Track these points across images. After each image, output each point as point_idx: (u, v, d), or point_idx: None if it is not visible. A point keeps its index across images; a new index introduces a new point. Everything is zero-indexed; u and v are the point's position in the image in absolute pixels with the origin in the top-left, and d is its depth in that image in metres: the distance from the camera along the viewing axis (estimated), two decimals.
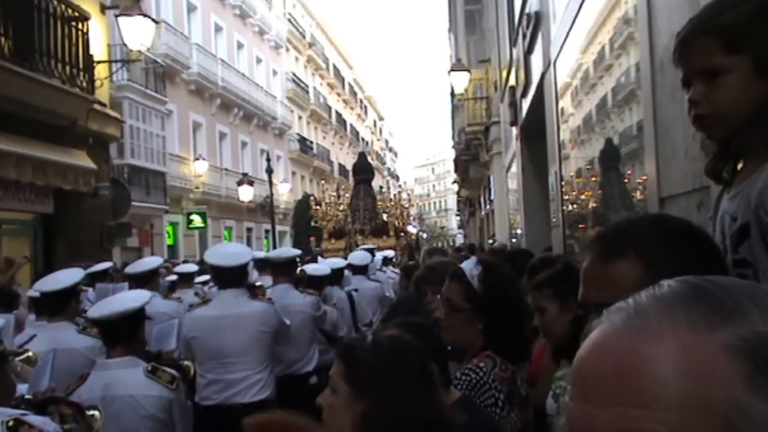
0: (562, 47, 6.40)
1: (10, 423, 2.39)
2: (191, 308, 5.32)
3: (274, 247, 23.85)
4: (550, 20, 7.13)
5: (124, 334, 3.61)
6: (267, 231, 29.29)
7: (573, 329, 2.31)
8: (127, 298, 3.87)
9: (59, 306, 4.48)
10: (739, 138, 1.49)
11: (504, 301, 2.52)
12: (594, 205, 5.81)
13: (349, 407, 1.70)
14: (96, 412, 3.00)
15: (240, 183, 25.80)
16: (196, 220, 23.86)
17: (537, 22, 7.91)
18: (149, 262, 7.07)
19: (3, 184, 9.75)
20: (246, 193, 25.86)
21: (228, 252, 5.32)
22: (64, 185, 10.55)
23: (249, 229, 30.85)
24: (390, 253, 12.62)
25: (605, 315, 0.66)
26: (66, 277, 4.75)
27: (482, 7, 18.31)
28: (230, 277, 5.03)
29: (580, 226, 6.53)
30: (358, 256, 8.77)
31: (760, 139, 1.46)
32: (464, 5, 20.58)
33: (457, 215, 61.00)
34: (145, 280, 6.16)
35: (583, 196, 6.33)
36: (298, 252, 6.79)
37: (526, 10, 8.73)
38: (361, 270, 8.39)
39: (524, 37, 9.03)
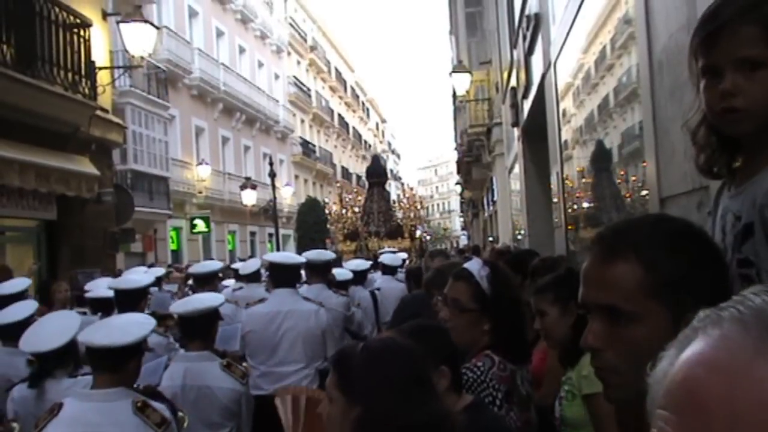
0: (562, 48, 6.41)
1: (139, 404, 2.92)
2: (248, 306, 5.74)
3: (278, 251, 23.85)
4: (549, 21, 7.14)
5: (202, 329, 4.01)
6: (270, 235, 29.31)
7: (573, 333, 2.31)
8: (206, 298, 4.30)
9: (132, 304, 4.86)
10: (750, 135, 1.45)
11: (510, 302, 2.54)
12: (594, 205, 5.81)
13: (345, 415, 1.71)
14: (183, 413, 3.37)
15: (243, 187, 25.83)
16: (200, 224, 23.87)
17: (537, 23, 7.92)
18: (211, 264, 7.62)
19: (6, 191, 9.77)
20: (249, 197, 25.88)
21: (285, 254, 6.30)
22: (68, 192, 10.55)
23: (252, 233, 30.89)
24: (403, 255, 12.64)
25: (709, 321, 0.57)
26: (139, 278, 5.51)
27: (483, 9, 18.32)
28: (286, 276, 5.58)
29: (572, 226, 6.53)
30: (389, 257, 9.09)
31: None
32: (465, 7, 20.59)
33: (461, 216, 60.99)
34: (207, 281, 6.66)
35: (580, 196, 6.33)
36: (333, 255, 7.24)
37: (526, 12, 8.74)
38: (391, 270, 8.69)
39: (524, 38, 9.04)
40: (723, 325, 0.55)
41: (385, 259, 8.96)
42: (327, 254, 6.97)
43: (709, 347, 0.54)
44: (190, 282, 8.56)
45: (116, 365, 2.97)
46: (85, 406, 2.89)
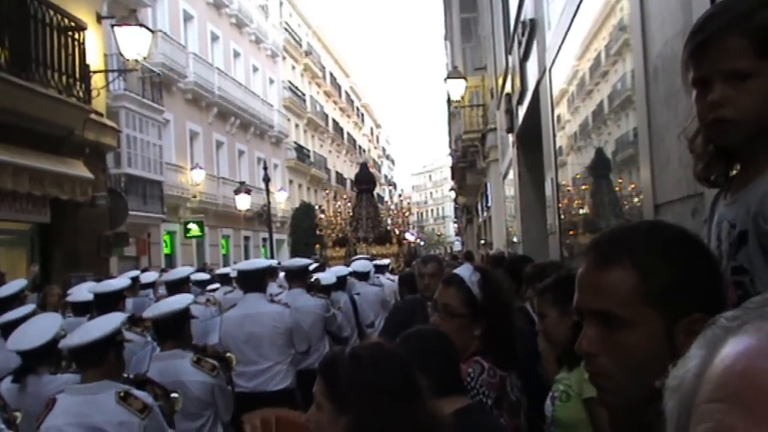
0: (557, 54, 6.42)
1: (122, 394, 3.24)
2: (222, 312, 6.29)
3: (272, 256, 23.83)
4: (545, 27, 7.16)
5: (173, 330, 4.36)
6: (264, 239, 29.27)
7: (573, 335, 2.32)
8: (175, 301, 4.64)
9: (109, 305, 5.12)
10: (745, 144, 1.46)
11: (501, 307, 2.55)
12: (588, 211, 5.82)
13: (334, 423, 1.70)
14: (177, 395, 3.77)
15: (237, 191, 25.77)
16: (194, 228, 23.82)
17: (532, 29, 7.94)
18: (181, 271, 7.96)
19: (0, 194, 9.74)
20: (243, 202, 25.83)
21: (249, 261, 6.73)
22: (61, 195, 10.53)
23: (246, 238, 30.84)
24: (385, 261, 12.80)
25: (749, 318, 0.58)
26: (117, 282, 6.00)
27: (478, 15, 18.36)
28: (251, 281, 6.00)
29: (571, 233, 6.54)
30: (360, 264, 9.56)
31: (763, 147, 1.44)
32: (460, 13, 20.62)
33: (455, 222, 61.08)
34: (178, 286, 6.93)
35: (576, 202, 6.34)
36: (310, 261, 7.85)
37: (522, 18, 8.77)
38: (363, 276, 9.16)
39: (519, 44, 9.07)
40: None
41: (356, 266, 9.44)
42: (303, 261, 7.46)
43: (765, 340, 0.54)
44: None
45: (96, 360, 3.31)
46: (74, 399, 3.25)
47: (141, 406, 3.24)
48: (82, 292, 6.22)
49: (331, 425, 1.71)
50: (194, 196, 24.74)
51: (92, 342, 3.27)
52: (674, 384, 0.61)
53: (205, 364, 4.33)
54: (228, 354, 5.26)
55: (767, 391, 0.52)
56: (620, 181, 4.71)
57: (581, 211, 6.20)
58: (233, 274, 8.48)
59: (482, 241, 18.82)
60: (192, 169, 24.86)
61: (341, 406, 1.70)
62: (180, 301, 4.59)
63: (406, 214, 18.30)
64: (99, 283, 6.12)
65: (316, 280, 7.44)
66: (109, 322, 3.45)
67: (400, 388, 1.71)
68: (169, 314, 4.33)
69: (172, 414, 3.69)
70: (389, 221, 17.58)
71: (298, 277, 6.92)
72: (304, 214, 31.11)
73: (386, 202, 21.56)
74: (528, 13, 8.27)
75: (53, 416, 3.21)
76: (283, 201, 34.20)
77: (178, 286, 6.93)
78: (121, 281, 6.13)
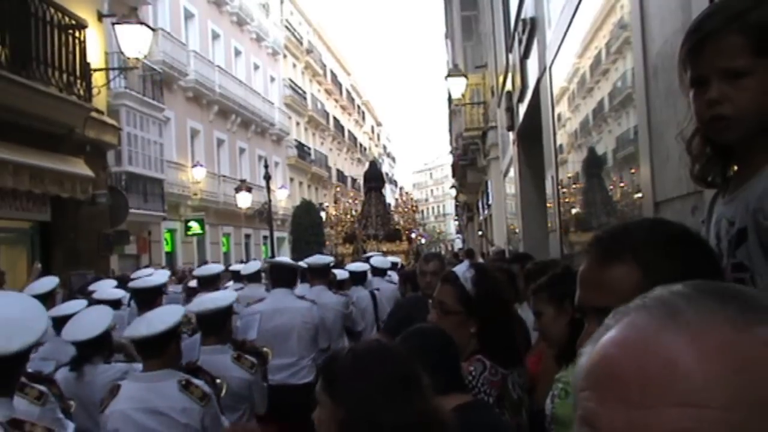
0: (557, 52, 6.42)
1: (183, 382, 3.51)
2: (248, 305, 6.31)
3: (272, 254, 23.84)
4: (545, 25, 7.16)
5: (216, 326, 4.53)
6: (265, 237, 29.27)
7: (570, 332, 2.32)
8: (218, 297, 4.83)
9: (150, 300, 5.47)
10: (743, 143, 1.47)
11: (496, 304, 2.55)
12: (589, 210, 5.82)
13: (332, 417, 1.72)
14: (220, 381, 4.06)
15: (238, 189, 25.73)
16: (194, 226, 23.81)
17: (532, 27, 7.94)
18: (213, 267, 8.32)
19: (0, 192, 9.74)
20: (244, 200, 25.79)
21: (286, 258, 7.20)
22: (62, 193, 10.52)
23: (247, 236, 30.84)
24: (396, 259, 12.82)
25: (618, 314, 0.63)
26: (155, 278, 6.41)
27: (479, 13, 18.35)
28: (282, 277, 6.27)
29: (566, 231, 6.54)
30: (378, 260, 9.66)
31: (761, 145, 1.44)
32: (461, 11, 20.62)
33: (456, 220, 61.06)
34: (211, 282, 7.23)
35: (572, 201, 6.34)
36: (331, 258, 8.09)
37: (522, 16, 8.77)
38: (381, 272, 9.23)
39: (520, 42, 9.06)
40: (630, 313, 0.62)
41: (375, 261, 9.46)
42: (326, 258, 7.62)
43: (619, 331, 0.61)
44: (191, 284, 8.86)
45: (159, 350, 3.58)
46: (138, 386, 3.52)
47: (201, 394, 3.51)
48: (106, 290, 6.43)
49: (329, 419, 1.73)
50: (195, 194, 24.72)
51: (159, 334, 3.54)
52: (572, 381, 0.67)
53: (245, 361, 4.52)
54: (264, 349, 5.38)
55: (616, 376, 0.59)
56: (614, 179, 4.71)
57: (581, 209, 6.19)
58: (244, 271, 8.68)
59: (479, 233, 18.83)
60: (193, 167, 24.85)
61: (338, 400, 1.72)
62: (225, 297, 4.79)
63: (414, 212, 18.48)
64: (138, 279, 6.43)
65: (333, 275, 7.57)
66: (171, 316, 3.72)
67: (397, 383, 1.72)
68: (214, 311, 4.51)
69: (219, 399, 3.91)
70: (397, 218, 17.70)
71: (320, 274, 7.04)
72: (304, 212, 31.07)
73: (396, 200, 21.69)
74: (528, 11, 8.27)
75: (118, 401, 3.47)
76: (283, 199, 34.18)
77: (210, 282, 7.18)
78: (159, 277, 6.45)
